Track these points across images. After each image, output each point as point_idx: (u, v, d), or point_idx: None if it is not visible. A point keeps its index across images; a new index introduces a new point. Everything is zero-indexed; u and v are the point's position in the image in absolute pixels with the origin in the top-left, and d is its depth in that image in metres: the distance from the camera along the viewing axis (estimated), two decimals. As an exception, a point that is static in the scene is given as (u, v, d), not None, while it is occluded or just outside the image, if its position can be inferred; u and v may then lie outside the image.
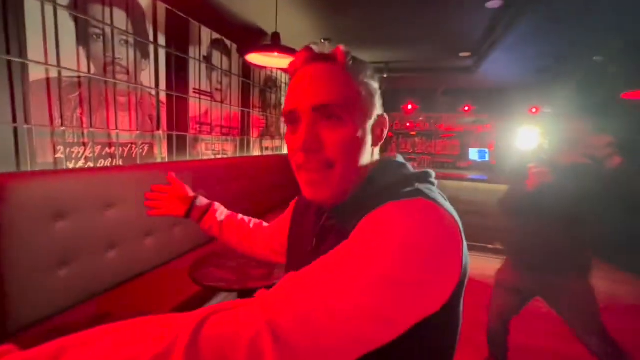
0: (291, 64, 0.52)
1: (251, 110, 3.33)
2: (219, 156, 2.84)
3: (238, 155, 3.15)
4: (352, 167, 0.48)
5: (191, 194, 0.89)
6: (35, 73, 1.40)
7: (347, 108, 0.46)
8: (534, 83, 4.31)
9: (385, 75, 3.76)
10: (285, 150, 4.33)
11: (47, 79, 1.45)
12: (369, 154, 0.51)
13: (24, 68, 1.35)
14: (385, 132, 0.54)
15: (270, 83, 3.74)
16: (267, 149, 3.80)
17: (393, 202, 0.40)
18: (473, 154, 5.60)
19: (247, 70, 3.15)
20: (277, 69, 3.61)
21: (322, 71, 0.47)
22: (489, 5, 2.10)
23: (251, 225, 0.86)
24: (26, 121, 1.38)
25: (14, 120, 1.34)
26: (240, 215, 0.90)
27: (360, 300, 0.32)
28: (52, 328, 1.26)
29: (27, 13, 1.35)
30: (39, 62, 1.40)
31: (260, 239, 0.82)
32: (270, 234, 0.79)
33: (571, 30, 2.48)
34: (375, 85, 0.51)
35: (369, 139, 0.50)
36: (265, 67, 3.20)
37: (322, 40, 3.01)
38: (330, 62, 0.48)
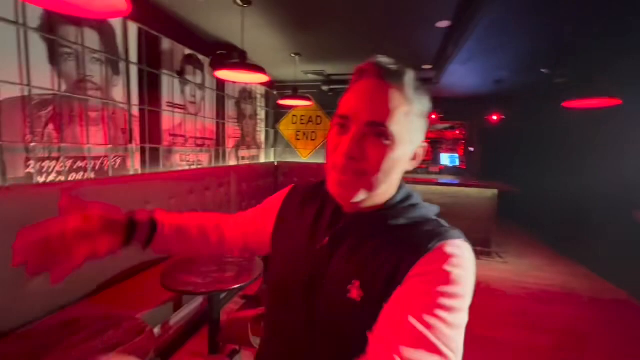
0: (357, 69, 0.53)
1: (226, 122, 3.43)
2: (194, 167, 2.92)
3: (213, 165, 3.24)
4: (383, 182, 0.51)
5: (118, 214, 0.60)
6: (6, 92, 1.47)
7: (398, 132, 0.49)
8: (493, 93, 4.62)
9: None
10: (262, 159, 4.43)
11: (22, 97, 1.52)
12: (400, 174, 0.55)
13: (-5, 88, 1.42)
14: (422, 157, 0.56)
15: (245, 94, 3.86)
16: (243, 158, 3.89)
17: (449, 242, 0.48)
18: (444, 159, 5.87)
19: (221, 82, 3.26)
20: (246, 83, 3.73)
21: (385, 91, 0.49)
22: (438, 25, 2.32)
23: (208, 221, 0.74)
24: (-3, 138, 1.44)
25: (-15, 137, 1.40)
26: (184, 216, 0.73)
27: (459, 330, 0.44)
28: (26, 334, 1.31)
29: (-3, 36, 1.42)
30: (8, 82, 1.47)
31: (232, 224, 0.74)
32: (248, 221, 0.73)
33: (518, 46, 2.74)
34: (428, 111, 0.55)
35: (405, 160, 0.53)
36: (235, 82, 3.32)
37: (292, 55, 3.17)
38: (396, 82, 0.50)
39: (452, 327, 0.42)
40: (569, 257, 3.79)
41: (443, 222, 0.55)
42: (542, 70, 3.25)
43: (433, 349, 0.40)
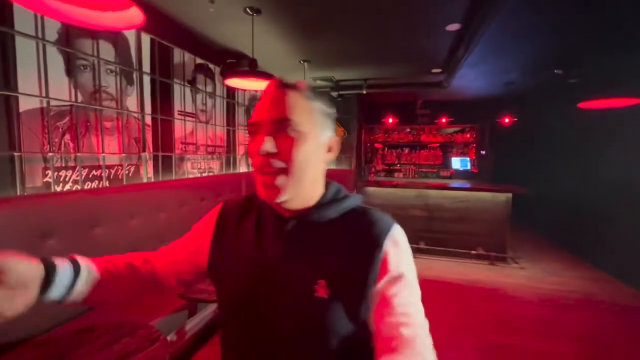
0: (264, 89, 0.60)
1: (236, 129, 3.46)
2: (205, 174, 2.94)
3: (224, 172, 3.26)
4: (302, 175, 0.56)
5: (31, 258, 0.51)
6: (25, 103, 1.51)
7: (302, 124, 0.56)
8: (504, 95, 4.56)
9: (364, 92, 3.96)
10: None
11: (41, 109, 1.56)
12: (319, 169, 0.60)
13: (14, 100, 1.46)
14: (335, 151, 0.62)
15: (255, 102, 3.89)
16: (253, 165, 3.92)
17: (394, 227, 0.59)
18: (455, 163, 5.80)
19: (231, 90, 3.30)
20: (256, 90, 3.77)
21: (284, 93, 0.57)
22: (448, 28, 2.30)
23: (132, 262, 0.67)
24: (17, 149, 1.47)
25: (11, 148, 1.44)
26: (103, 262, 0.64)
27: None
28: (42, 342, 1.32)
29: (17, 49, 1.47)
30: (28, 94, 1.52)
31: (161, 261, 0.70)
32: (177, 252, 0.71)
33: (530, 47, 2.70)
34: (329, 110, 0.62)
35: (319, 153, 0.59)
36: (245, 90, 3.36)
37: (301, 62, 3.20)
38: (292, 88, 0.58)
39: (412, 267, 0.57)
40: (588, 261, 3.67)
41: (374, 209, 0.62)
42: (556, 71, 3.19)
43: (414, 292, 0.55)
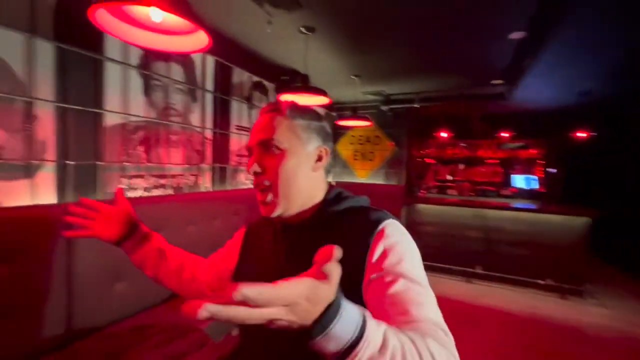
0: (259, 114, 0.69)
1: (287, 142, 3.58)
2: (256, 185, 3.07)
3: (274, 184, 3.37)
4: (290, 188, 0.62)
5: (133, 219, 0.79)
6: (110, 120, 1.73)
7: (283, 142, 0.61)
8: (578, 106, 4.07)
9: (417, 105, 3.84)
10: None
11: (121, 124, 1.78)
12: (309, 178, 0.65)
13: (101, 117, 1.68)
14: (325, 160, 0.67)
15: (305, 116, 4.00)
16: (301, 178, 3.99)
17: (388, 221, 0.60)
18: (518, 181, 5.29)
19: (283, 106, 3.43)
20: (308, 106, 3.87)
21: (269, 117, 0.64)
22: (512, 36, 2.14)
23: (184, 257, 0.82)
24: (99, 159, 1.69)
25: (95, 158, 1.65)
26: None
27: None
28: (106, 335, 1.45)
29: (106, 73, 1.70)
30: (112, 111, 1.74)
31: (205, 266, 0.80)
32: (219, 261, 0.80)
33: (610, 51, 2.39)
34: (316, 123, 0.67)
35: (306, 165, 0.64)
36: None
37: (352, 77, 3.22)
38: (275, 110, 0.64)
39: (415, 267, 0.55)
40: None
41: (376, 208, 0.65)
42: (645, 79, 2.77)
43: (420, 291, 0.51)
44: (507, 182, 5.37)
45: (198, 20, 1.06)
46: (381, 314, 0.49)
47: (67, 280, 1.41)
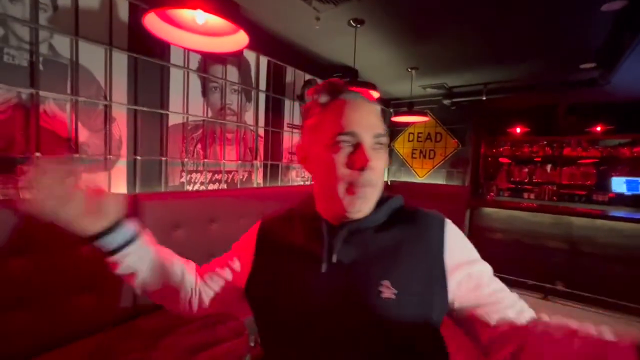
0: (329, 88, 0.60)
1: (340, 140, 3.54)
2: (307, 183, 3.11)
3: (326, 182, 3.37)
4: (381, 187, 0.60)
5: (119, 210, 0.61)
6: (173, 120, 1.91)
7: (386, 140, 0.59)
8: None
9: (484, 98, 3.46)
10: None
11: (182, 124, 1.96)
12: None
13: (165, 117, 1.87)
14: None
15: (360, 114, 3.92)
16: (355, 176, 3.92)
17: (447, 219, 0.61)
18: (618, 185, 4.40)
19: (337, 104, 3.41)
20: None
21: (375, 109, 0.60)
22: (605, 8, 1.76)
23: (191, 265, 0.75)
24: (164, 154, 1.88)
25: (161, 154, 1.85)
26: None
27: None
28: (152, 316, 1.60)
29: (171, 77, 1.88)
30: (176, 112, 1.92)
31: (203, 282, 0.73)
32: (228, 273, 0.72)
33: None
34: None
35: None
36: None
37: (409, 69, 3.04)
38: (375, 102, 0.61)
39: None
40: None
41: (412, 206, 0.64)
42: None
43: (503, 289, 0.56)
44: (602, 186, 4.51)
45: (240, 20, 1.09)
46: (479, 303, 0.54)
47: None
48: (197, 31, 1.18)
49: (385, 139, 0.58)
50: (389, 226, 0.60)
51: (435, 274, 0.55)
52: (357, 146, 0.55)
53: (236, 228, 2.13)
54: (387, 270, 0.54)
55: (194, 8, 0.99)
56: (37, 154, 1.35)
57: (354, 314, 0.53)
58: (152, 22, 1.10)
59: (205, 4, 0.99)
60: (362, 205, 0.57)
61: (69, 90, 1.47)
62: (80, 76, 1.51)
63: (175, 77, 1.91)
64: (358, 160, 0.54)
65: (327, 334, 0.53)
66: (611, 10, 1.77)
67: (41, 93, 1.37)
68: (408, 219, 0.60)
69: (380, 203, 0.62)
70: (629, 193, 4.30)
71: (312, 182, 0.66)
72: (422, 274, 0.54)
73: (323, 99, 0.59)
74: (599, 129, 4.38)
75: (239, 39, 1.19)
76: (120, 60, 1.64)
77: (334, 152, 0.56)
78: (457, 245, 0.58)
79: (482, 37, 2.30)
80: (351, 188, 0.56)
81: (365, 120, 0.57)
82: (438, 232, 0.58)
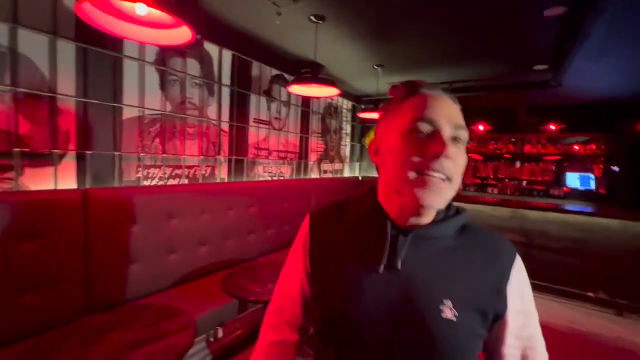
0: (409, 85, 0.56)
1: (309, 136, 3.56)
2: (275, 178, 3.11)
3: (294, 177, 3.39)
4: (457, 189, 0.53)
5: None
6: (127, 113, 1.86)
7: (466, 136, 0.53)
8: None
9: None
10: (346, 174, 4.42)
11: (138, 117, 1.90)
12: None
13: (119, 110, 1.81)
14: None
15: (331, 109, 3.95)
16: (325, 172, 3.96)
17: (517, 254, 0.57)
18: (572, 180, 4.70)
19: (306, 99, 3.42)
20: (317, 97, 3.79)
21: (455, 104, 0.55)
22: (548, 12, 1.87)
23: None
24: (118, 149, 1.82)
25: (115, 149, 1.79)
26: None
27: None
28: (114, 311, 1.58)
29: (125, 69, 1.82)
30: (130, 105, 1.86)
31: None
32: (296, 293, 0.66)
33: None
34: None
35: None
36: (308, 97, 3.42)
37: (375, 67, 3.09)
38: (455, 100, 0.56)
39: None
40: None
41: (487, 229, 0.59)
42: None
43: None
44: (559, 181, 4.80)
45: (190, 13, 1.08)
46: (509, 342, 0.55)
47: (85, 257, 1.56)
48: (141, 22, 1.15)
49: (465, 134, 0.52)
50: (457, 241, 0.55)
51: (494, 308, 0.52)
52: (435, 133, 0.50)
53: (199, 223, 2.12)
54: (450, 290, 0.51)
55: (134, 1, 0.97)
56: (-29, 147, 1.28)
57: (409, 327, 0.50)
58: (89, 10, 1.06)
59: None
60: (433, 200, 0.50)
61: (8, 81, 1.40)
62: (22, 66, 1.44)
63: (131, 69, 1.86)
64: (434, 146, 0.49)
65: (375, 342, 0.51)
66: (553, 15, 1.89)
67: (-26, 83, 1.30)
68: (478, 239, 0.56)
69: (451, 214, 0.57)
70: (582, 188, 4.60)
71: (378, 177, 0.60)
72: (483, 304, 0.51)
73: (403, 94, 0.56)
74: (552, 127, 4.64)
75: (184, 33, 1.18)
76: (67, 50, 1.58)
77: (409, 139, 0.51)
78: (521, 288, 0.55)
79: (445, 37, 2.37)
80: (422, 179, 0.49)
81: (447, 110, 0.52)
82: (507, 264, 0.54)
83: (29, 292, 1.39)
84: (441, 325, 0.48)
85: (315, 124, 3.66)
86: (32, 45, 1.47)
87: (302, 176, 3.49)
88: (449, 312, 0.49)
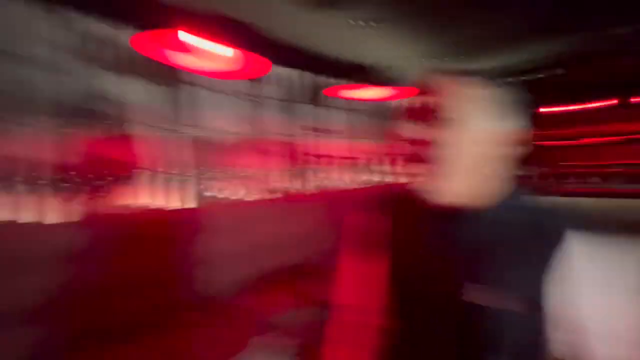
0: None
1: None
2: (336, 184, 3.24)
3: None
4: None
5: None
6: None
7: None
8: None
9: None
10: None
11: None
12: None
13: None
14: None
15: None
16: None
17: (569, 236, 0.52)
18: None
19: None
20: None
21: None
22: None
23: None
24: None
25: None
26: None
27: None
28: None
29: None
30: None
31: None
32: None
33: None
34: None
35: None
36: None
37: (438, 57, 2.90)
38: None
39: None
40: None
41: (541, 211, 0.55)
42: None
43: None
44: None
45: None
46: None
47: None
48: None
49: None
50: (508, 223, 0.51)
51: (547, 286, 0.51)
52: None
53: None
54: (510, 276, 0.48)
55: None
56: None
57: (475, 317, 0.46)
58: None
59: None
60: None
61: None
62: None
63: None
64: None
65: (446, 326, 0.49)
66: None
67: None
68: (530, 222, 0.53)
69: (505, 200, 0.53)
70: None
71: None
72: (536, 285, 0.50)
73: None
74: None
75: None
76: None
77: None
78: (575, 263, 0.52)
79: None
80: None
81: None
82: (562, 246, 0.52)
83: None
84: (505, 315, 0.46)
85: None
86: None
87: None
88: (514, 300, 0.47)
